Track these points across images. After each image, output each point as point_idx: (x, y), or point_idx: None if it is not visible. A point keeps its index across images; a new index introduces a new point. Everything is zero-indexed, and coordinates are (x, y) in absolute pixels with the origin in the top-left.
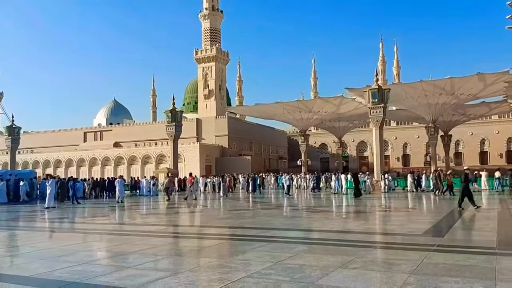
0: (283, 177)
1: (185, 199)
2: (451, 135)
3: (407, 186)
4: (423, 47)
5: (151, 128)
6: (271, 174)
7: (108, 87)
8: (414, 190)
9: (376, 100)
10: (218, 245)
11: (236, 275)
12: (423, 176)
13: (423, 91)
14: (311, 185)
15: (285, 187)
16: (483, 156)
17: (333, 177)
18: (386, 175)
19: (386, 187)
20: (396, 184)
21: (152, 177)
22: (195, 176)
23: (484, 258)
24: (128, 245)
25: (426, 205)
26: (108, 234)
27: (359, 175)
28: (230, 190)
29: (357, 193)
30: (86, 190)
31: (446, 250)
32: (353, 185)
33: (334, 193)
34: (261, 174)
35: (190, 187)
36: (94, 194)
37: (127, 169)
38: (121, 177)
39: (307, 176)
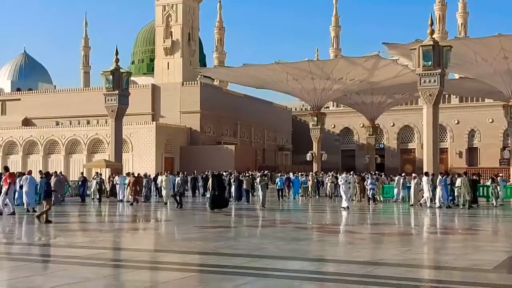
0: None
1: None
2: None
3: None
4: None
5: (81, 97)
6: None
7: (15, 35)
8: None
9: (430, 63)
10: (181, 280)
11: None
12: None
13: (501, 50)
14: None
15: (260, 197)
16: None
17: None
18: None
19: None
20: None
21: (21, 173)
22: (42, 172)
23: None
24: (43, 277)
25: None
26: (14, 260)
27: (380, 177)
28: (136, 197)
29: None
30: None
31: None
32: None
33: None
34: (249, 173)
35: (6, 192)
36: None
37: (43, 160)
38: (30, 173)
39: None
